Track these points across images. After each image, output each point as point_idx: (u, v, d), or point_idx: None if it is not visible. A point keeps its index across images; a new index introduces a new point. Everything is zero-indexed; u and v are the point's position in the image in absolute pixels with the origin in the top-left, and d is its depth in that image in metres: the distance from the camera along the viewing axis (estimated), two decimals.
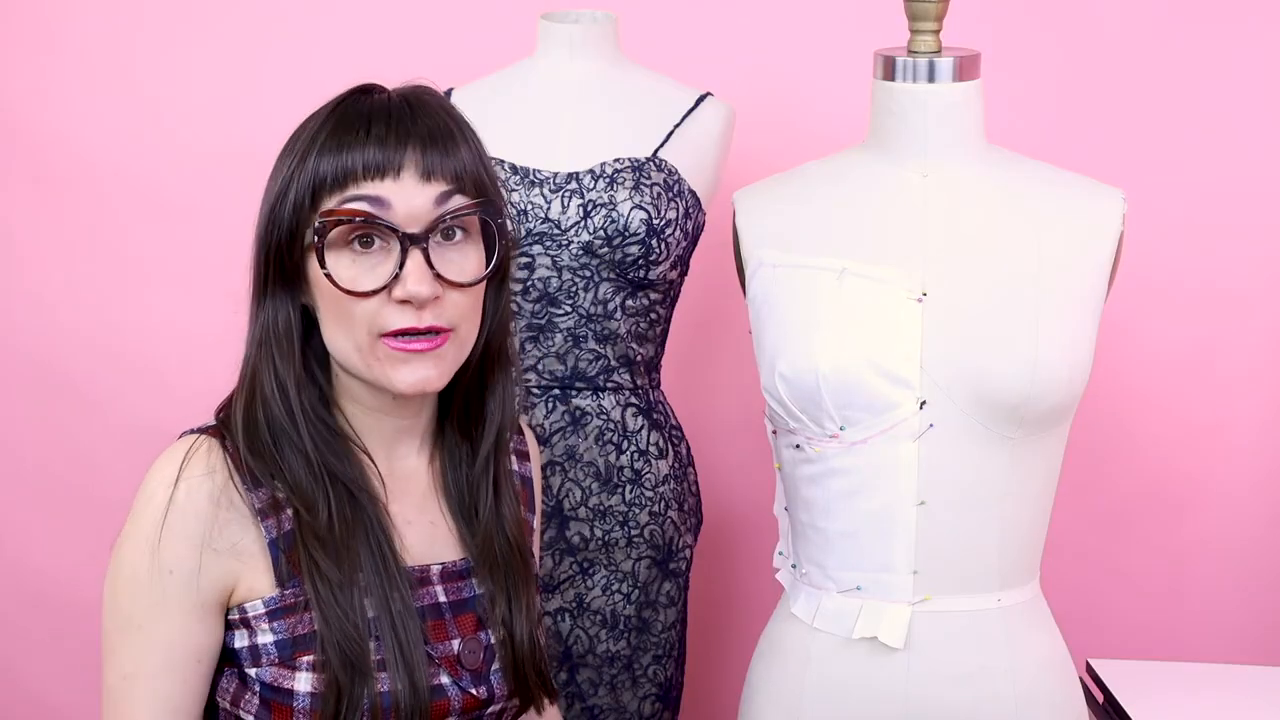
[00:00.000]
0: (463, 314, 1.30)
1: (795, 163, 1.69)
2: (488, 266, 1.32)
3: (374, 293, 1.26)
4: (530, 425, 1.86)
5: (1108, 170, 1.81)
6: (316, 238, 1.26)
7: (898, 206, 1.54)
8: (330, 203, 1.27)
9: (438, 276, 1.27)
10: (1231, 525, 2.35)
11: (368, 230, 1.27)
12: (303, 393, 1.31)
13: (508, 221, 1.34)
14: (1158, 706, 1.94)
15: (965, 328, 1.47)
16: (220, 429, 1.31)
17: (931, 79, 1.53)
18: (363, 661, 1.28)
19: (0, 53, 2.44)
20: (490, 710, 1.37)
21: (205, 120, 2.41)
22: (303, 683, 1.28)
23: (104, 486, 2.51)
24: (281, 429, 1.30)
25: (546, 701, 1.43)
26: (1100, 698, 2.02)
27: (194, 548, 1.27)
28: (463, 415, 1.40)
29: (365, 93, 1.32)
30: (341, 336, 1.29)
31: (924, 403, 1.48)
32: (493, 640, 1.37)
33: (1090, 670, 2.05)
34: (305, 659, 1.28)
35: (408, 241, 1.26)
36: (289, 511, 1.29)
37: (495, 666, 1.37)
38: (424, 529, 1.38)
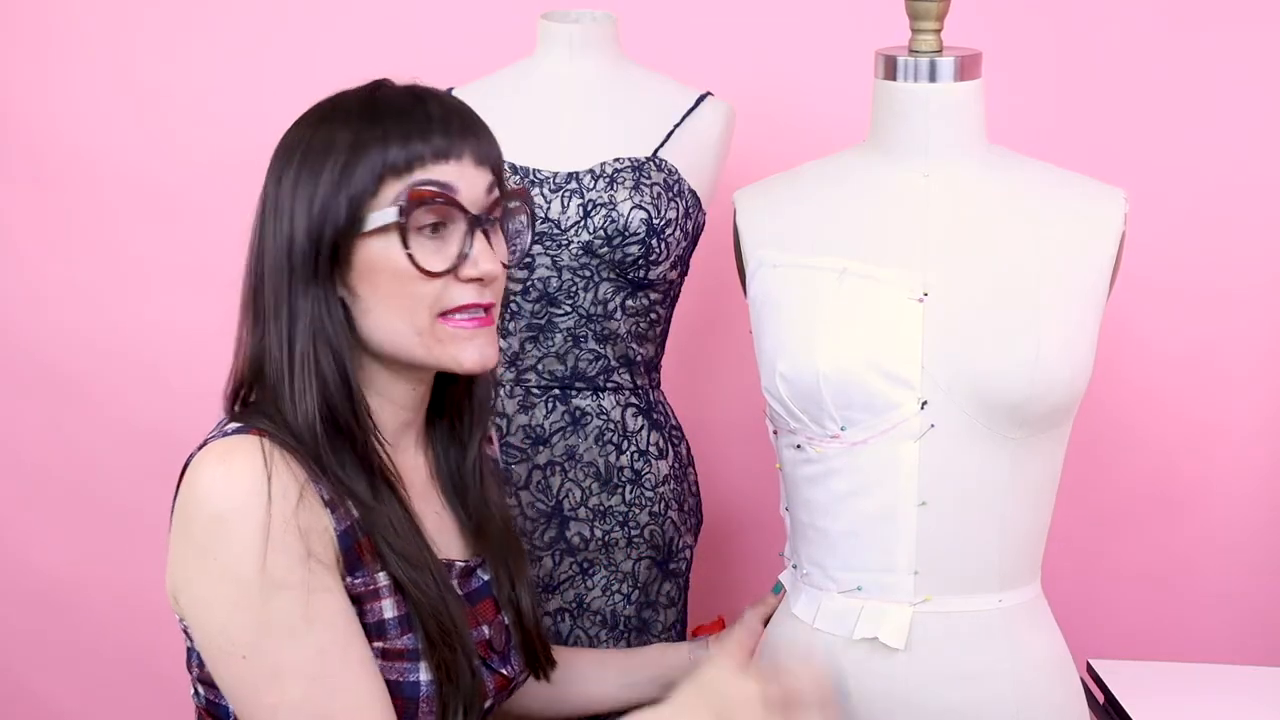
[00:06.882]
0: (500, 292, 1.36)
1: (795, 163, 1.68)
2: (511, 251, 1.37)
3: (445, 273, 1.29)
4: (530, 425, 1.87)
5: (1108, 170, 1.80)
6: (402, 217, 1.28)
7: (899, 206, 1.53)
8: (396, 188, 1.28)
9: None
10: (1232, 525, 2.35)
11: (442, 212, 1.29)
12: (361, 382, 1.33)
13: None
14: (1158, 706, 1.94)
15: (966, 328, 1.47)
16: (256, 428, 1.28)
17: (933, 78, 1.53)
18: (452, 637, 1.30)
19: (0, 53, 2.44)
20: (513, 685, 1.42)
21: (206, 120, 2.42)
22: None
23: (104, 486, 2.51)
24: (343, 420, 1.30)
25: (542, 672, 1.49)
26: (1100, 698, 2.02)
27: (312, 531, 1.25)
28: (453, 403, 1.44)
29: (388, 85, 1.34)
30: (399, 321, 1.31)
31: (925, 403, 1.47)
32: (507, 621, 1.43)
33: (1090, 670, 2.05)
34: (375, 646, 1.29)
35: (475, 223, 1.30)
36: (349, 502, 1.29)
37: (512, 644, 1.42)
38: (432, 520, 1.41)
